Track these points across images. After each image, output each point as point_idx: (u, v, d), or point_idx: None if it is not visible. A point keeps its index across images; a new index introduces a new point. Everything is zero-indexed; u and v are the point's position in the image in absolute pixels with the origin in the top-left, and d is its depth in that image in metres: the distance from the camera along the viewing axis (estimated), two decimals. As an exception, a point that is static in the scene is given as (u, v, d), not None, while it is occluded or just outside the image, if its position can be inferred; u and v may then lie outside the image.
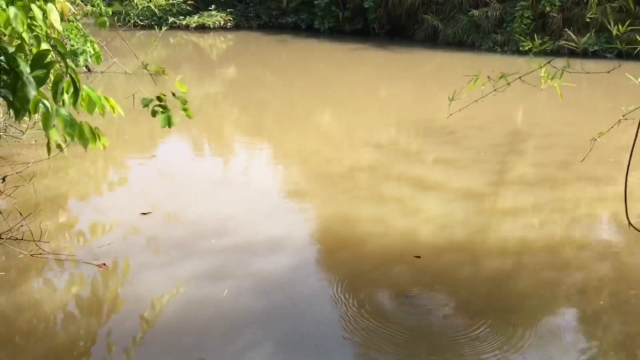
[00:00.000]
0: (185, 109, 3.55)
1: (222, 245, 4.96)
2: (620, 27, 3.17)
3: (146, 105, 3.50)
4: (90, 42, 6.00)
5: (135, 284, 4.34)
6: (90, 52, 6.02)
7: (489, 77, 3.40)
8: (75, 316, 3.96)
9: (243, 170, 7.50)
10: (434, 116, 9.93)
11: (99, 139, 3.31)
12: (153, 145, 8.52)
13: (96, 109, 3.41)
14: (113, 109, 3.47)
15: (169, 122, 3.49)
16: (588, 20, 15.01)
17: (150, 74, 3.83)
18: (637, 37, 3.23)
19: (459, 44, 19.24)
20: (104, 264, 4.51)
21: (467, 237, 5.18)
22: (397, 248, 4.92)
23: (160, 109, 3.47)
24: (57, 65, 3.08)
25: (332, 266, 4.66)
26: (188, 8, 23.99)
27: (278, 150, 8.42)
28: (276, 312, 3.95)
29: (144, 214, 5.54)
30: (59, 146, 3.28)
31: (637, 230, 4.38)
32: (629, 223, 3.67)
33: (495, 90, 3.48)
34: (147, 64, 3.64)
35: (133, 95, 6.14)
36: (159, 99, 3.51)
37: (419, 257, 4.72)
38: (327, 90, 13.22)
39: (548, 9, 17.34)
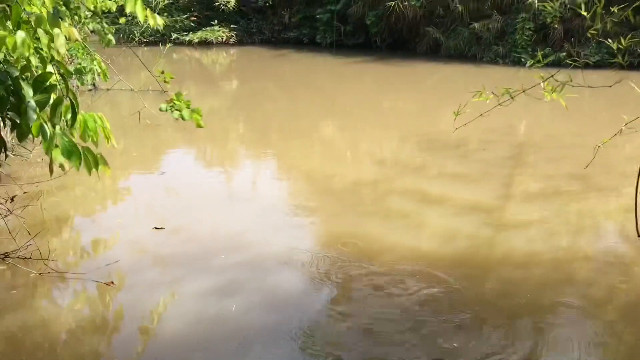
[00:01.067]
0: (194, 112, 3.60)
1: (232, 261, 4.96)
2: (622, 40, 3.20)
3: (166, 110, 3.56)
4: (97, 61, 6.06)
5: (143, 302, 4.34)
6: (97, 70, 6.08)
7: (492, 92, 3.42)
8: (82, 335, 3.96)
9: (250, 185, 7.52)
10: (438, 129, 9.96)
11: (101, 166, 3.32)
12: (160, 161, 8.55)
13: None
14: (107, 139, 3.50)
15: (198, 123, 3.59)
16: (590, 35, 15.07)
17: (162, 84, 3.87)
18: (638, 50, 3.24)
19: (461, 56, 19.31)
20: (112, 282, 4.52)
21: (475, 250, 5.17)
22: (406, 262, 4.91)
23: (176, 109, 3.53)
24: (59, 87, 3.12)
25: (341, 282, 4.65)
26: (191, 24, 24.19)
27: (284, 165, 8.44)
28: (286, 329, 3.94)
29: (157, 228, 5.55)
30: (61, 166, 3.31)
31: None
32: (639, 234, 3.66)
33: (500, 104, 3.51)
34: (162, 71, 3.69)
35: (139, 112, 6.21)
36: (171, 100, 3.56)
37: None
38: (331, 104, 13.28)
39: (549, 20, 17.41)
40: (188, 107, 3.78)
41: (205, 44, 23.97)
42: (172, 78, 3.97)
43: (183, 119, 3.61)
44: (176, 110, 3.56)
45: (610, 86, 3.64)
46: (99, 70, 6.01)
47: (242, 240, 5.38)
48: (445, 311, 4.18)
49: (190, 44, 23.85)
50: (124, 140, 8.63)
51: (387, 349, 3.73)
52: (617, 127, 3.48)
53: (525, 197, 6.60)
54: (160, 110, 3.60)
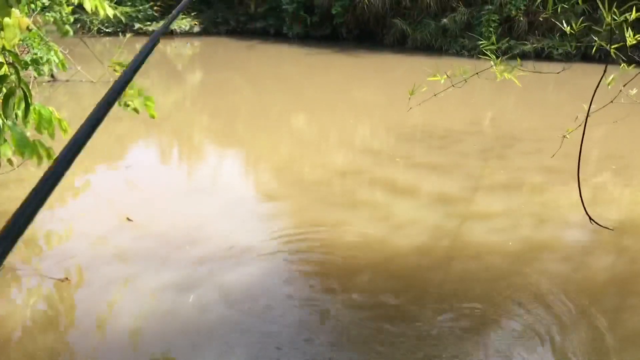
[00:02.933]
0: (147, 104, 3.42)
1: (194, 255, 4.85)
2: (574, 25, 3.20)
3: (118, 104, 3.39)
4: (54, 50, 5.83)
5: (98, 297, 4.20)
6: (54, 60, 5.85)
7: (447, 74, 3.42)
8: (34, 332, 3.81)
9: (216, 177, 7.39)
10: (406, 121, 9.97)
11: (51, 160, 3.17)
12: (124, 154, 8.34)
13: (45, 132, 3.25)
14: (64, 131, 3.32)
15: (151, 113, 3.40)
16: (542, 18, 15.29)
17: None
18: (595, 38, 3.26)
19: (427, 48, 19.40)
20: (67, 278, 4.37)
21: (439, 241, 5.18)
22: (370, 254, 4.88)
23: (128, 103, 3.37)
24: (11, 78, 2.96)
25: (304, 274, 4.60)
26: (154, 14, 23.70)
27: (251, 157, 8.33)
28: (247, 323, 3.86)
29: (129, 220, 5.40)
30: (9, 161, 3.15)
31: (600, 225, 4.43)
32: (590, 218, 3.68)
33: (453, 85, 3.52)
34: (120, 62, 3.52)
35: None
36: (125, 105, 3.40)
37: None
38: (299, 96, 13.18)
39: (514, 13, 17.61)
40: (149, 100, 3.61)
41: (168, 34, 23.50)
42: (124, 67, 3.78)
43: (136, 111, 3.44)
44: (125, 104, 3.39)
45: (558, 72, 3.70)
46: (57, 61, 5.79)
47: (204, 234, 5.27)
48: (399, 304, 4.17)
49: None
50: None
51: (348, 338, 3.70)
52: (582, 118, 3.49)
53: (492, 189, 6.65)
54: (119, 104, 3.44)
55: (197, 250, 4.94)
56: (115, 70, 3.52)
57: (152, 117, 3.46)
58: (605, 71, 2.61)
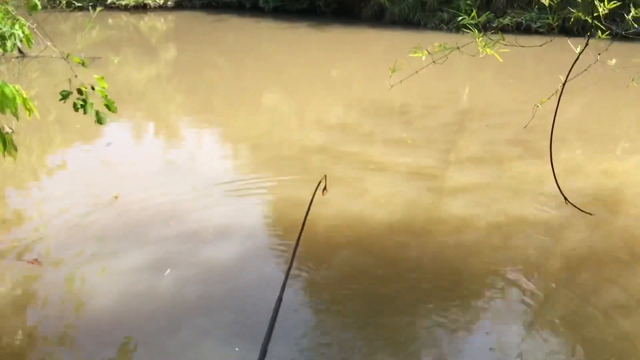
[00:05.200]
0: (107, 104, 3.28)
1: (169, 233, 4.79)
2: None
3: (64, 98, 3.23)
4: (20, 25, 5.62)
5: (72, 278, 4.14)
6: (19, 35, 5.64)
7: (427, 50, 3.38)
8: (4, 316, 3.72)
9: (192, 155, 7.27)
10: (384, 96, 9.89)
11: (8, 148, 3.03)
12: (100, 132, 8.14)
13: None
14: (29, 111, 3.17)
15: (99, 119, 3.23)
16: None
17: (83, 61, 3.54)
18: (572, 10, 3.24)
19: (405, 22, 19.24)
20: (36, 260, 4.27)
21: (415, 216, 5.18)
22: (346, 230, 4.87)
23: (81, 102, 3.21)
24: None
25: (281, 253, 4.56)
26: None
27: (227, 133, 8.23)
28: (222, 303, 3.83)
29: (116, 197, 5.34)
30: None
31: (579, 209, 4.49)
32: (565, 199, 3.71)
33: (434, 62, 3.48)
34: (67, 54, 3.37)
35: (70, 80, 5.84)
36: (79, 91, 3.26)
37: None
38: (276, 71, 13.02)
39: (492, -14, 17.51)
40: (105, 97, 3.39)
41: (141, 8, 22.95)
42: (83, 62, 3.59)
43: (85, 111, 3.27)
44: (80, 102, 3.22)
45: (541, 45, 3.67)
46: (21, 35, 5.58)
47: (181, 212, 5.19)
48: (377, 277, 4.17)
49: (126, 8, 22.79)
50: (58, 111, 8.20)
51: (327, 316, 3.70)
52: (558, 93, 3.48)
53: (467, 163, 6.65)
54: (60, 98, 3.26)
55: (174, 229, 4.87)
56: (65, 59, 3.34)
57: (112, 111, 3.26)
58: (587, 43, 2.59)
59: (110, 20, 20.87)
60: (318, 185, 3.98)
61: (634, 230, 4.95)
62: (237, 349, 3.37)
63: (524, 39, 3.52)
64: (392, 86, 3.80)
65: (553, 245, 4.76)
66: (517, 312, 3.82)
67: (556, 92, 3.41)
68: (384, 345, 3.46)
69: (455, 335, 3.58)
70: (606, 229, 4.97)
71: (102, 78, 3.30)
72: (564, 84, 3.02)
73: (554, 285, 4.18)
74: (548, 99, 3.45)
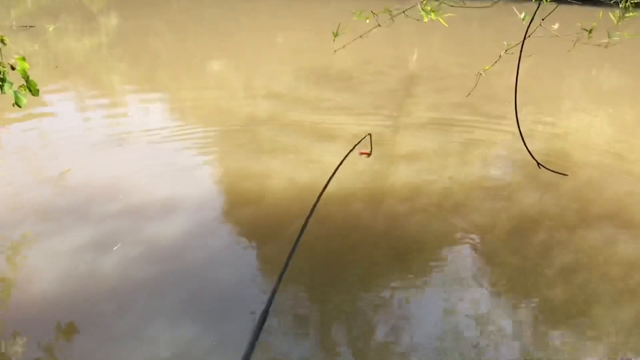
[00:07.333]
0: (29, 87, 3.04)
1: (111, 210, 4.61)
2: None
3: None
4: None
5: (9, 260, 3.95)
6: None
7: (373, 12, 3.30)
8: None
9: (134, 126, 6.98)
10: (330, 63, 9.78)
11: None
12: (37, 103, 7.76)
13: None
14: None
15: (17, 100, 2.99)
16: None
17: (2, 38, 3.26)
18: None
19: (354, -14, 19.02)
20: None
21: (365, 185, 5.16)
22: (297, 201, 4.80)
23: None
24: None
25: (233, 227, 4.47)
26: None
27: (172, 105, 7.98)
28: (172, 281, 3.70)
29: (65, 171, 5.14)
30: None
31: (553, 171, 4.54)
32: (538, 163, 3.73)
33: (379, 25, 3.40)
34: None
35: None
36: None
37: None
38: (223, 40, 12.67)
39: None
40: (26, 79, 3.12)
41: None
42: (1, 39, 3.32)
43: (2, 91, 3.03)
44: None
45: (490, 6, 3.62)
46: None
47: (124, 187, 5.01)
48: (330, 249, 4.14)
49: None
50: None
51: (282, 288, 3.66)
52: (504, 59, 3.46)
53: (415, 129, 6.65)
54: None
55: (119, 204, 4.70)
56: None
57: (19, 105, 3.02)
58: (538, 7, 2.56)
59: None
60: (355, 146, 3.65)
61: (584, 191, 5.07)
62: (187, 331, 3.28)
63: (470, 2, 3.47)
64: (335, 51, 3.71)
65: (504, 209, 4.83)
66: (469, 276, 3.86)
67: (499, 58, 3.39)
68: (337, 315, 3.45)
69: (409, 302, 3.60)
70: (556, 191, 5.06)
71: (24, 58, 3.06)
72: (521, 50, 3.00)
73: (505, 248, 4.25)
74: (491, 66, 3.44)
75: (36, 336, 3.23)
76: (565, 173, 4.82)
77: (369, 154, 3.61)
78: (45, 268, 3.82)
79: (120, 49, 12.11)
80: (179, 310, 3.45)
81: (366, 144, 3.52)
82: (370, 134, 3.47)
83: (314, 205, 3.51)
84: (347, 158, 4.24)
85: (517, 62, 2.89)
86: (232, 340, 3.17)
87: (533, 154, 3.17)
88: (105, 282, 3.70)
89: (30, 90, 3.01)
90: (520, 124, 3.15)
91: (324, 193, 4.37)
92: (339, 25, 3.08)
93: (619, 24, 2.99)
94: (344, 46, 3.66)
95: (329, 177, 3.62)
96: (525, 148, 3.07)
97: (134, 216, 4.53)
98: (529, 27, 2.84)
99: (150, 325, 3.30)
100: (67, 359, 3.09)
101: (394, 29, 3.58)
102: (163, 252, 4.05)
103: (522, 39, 2.86)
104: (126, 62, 10.90)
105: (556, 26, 3.43)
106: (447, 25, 3.51)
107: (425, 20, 3.11)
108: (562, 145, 6.12)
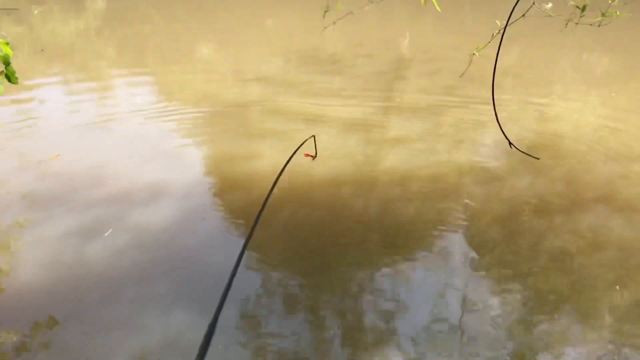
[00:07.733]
0: (7, 74, 2.92)
1: (98, 196, 4.53)
2: None
3: None
4: None
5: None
6: None
7: None
8: None
9: (121, 111, 6.88)
10: (321, 45, 9.69)
11: None
12: (23, 88, 7.63)
13: None
14: None
15: None
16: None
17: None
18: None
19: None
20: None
21: (358, 169, 5.11)
22: (290, 185, 4.75)
23: None
24: None
25: (222, 212, 4.41)
26: None
27: (160, 89, 7.87)
28: (161, 269, 3.63)
29: (55, 157, 5.06)
30: None
31: (520, 150, 4.49)
32: (510, 143, 3.69)
33: (371, 1, 3.34)
34: None
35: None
36: None
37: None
38: (212, 23, 12.51)
39: None
40: (7, 66, 2.99)
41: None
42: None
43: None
44: None
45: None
46: None
47: (111, 172, 4.94)
48: (324, 232, 4.10)
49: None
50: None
51: (267, 275, 3.62)
52: (496, 39, 3.40)
53: (406, 112, 6.60)
54: None
55: (107, 190, 4.62)
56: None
57: (14, 83, 2.91)
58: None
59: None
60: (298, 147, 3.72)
61: (576, 174, 5.04)
62: (178, 319, 3.23)
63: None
64: (325, 27, 3.63)
65: (497, 193, 4.79)
66: (462, 260, 3.83)
67: (492, 38, 3.33)
68: (330, 298, 3.41)
69: (401, 285, 3.57)
70: (548, 174, 5.03)
71: (7, 44, 2.95)
72: (504, 30, 2.94)
73: (498, 232, 4.22)
74: (484, 47, 3.37)
75: (22, 326, 3.16)
76: (537, 157, 4.79)
77: (313, 157, 3.57)
78: (32, 255, 3.75)
79: (107, 33, 11.93)
80: (168, 300, 3.38)
81: (310, 147, 3.51)
82: (314, 136, 3.46)
83: (266, 200, 3.46)
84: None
85: (499, 42, 2.83)
86: (224, 326, 3.13)
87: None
88: (92, 271, 3.62)
89: (8, 79, 2.88)
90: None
91: (318, 177, 4.32)
92: (328, 4, 3.01)
93: (615, 2, 2.93)
94: (334, 22, 3.59)
95: (275, 177, 3.57)
96: (503, 129, 3.02)
97: (123, 201, 4.45)
98: (515, 6, 2.77)
99: (138, 316, 3.24)
100: (55, 349, 3.03)
101: (386, 12, 3.51)
102: (150, 239, 3.97)
103: (508, 18, 2.80)
104: (113, 46, 10.75)
105: (549, 6, 3.37)
106: (440, 10, 3.44)
107: (423, 3, 3.04)
108: (553, 129, 6.09)
